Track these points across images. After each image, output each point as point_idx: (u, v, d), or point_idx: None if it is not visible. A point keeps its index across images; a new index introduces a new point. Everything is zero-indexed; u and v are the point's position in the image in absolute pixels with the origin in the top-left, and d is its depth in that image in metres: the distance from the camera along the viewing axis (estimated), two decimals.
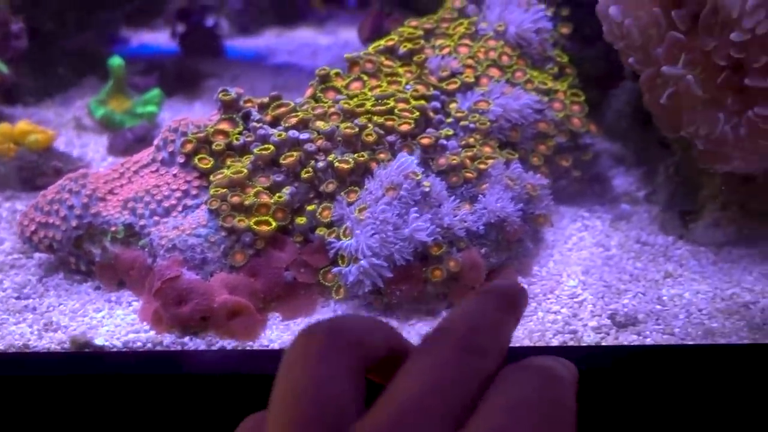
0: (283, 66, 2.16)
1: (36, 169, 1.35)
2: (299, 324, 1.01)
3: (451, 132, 1.12)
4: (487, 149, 1.12)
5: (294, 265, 1.02)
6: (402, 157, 1.00)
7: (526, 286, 1.07)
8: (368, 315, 1.02)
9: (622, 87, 1.36)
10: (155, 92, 1.66)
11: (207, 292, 0.96)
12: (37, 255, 1.17)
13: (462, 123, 1.14)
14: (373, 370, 0.35)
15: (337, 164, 1.01)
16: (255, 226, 0.99)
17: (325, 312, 1.04)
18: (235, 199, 1.00)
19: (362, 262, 0.96)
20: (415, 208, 0.96)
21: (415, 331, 1.00)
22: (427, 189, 0.99)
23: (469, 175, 1.06)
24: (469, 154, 1.09)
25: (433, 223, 0.97)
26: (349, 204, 1.00)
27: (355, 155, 1.02)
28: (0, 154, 1.33)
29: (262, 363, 0.95)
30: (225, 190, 1.01)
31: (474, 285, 1.02)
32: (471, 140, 1.12)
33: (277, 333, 1.00)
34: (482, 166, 1.07)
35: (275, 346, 0.97)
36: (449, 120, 1.15)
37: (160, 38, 2.29)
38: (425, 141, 1.07)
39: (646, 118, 1.18)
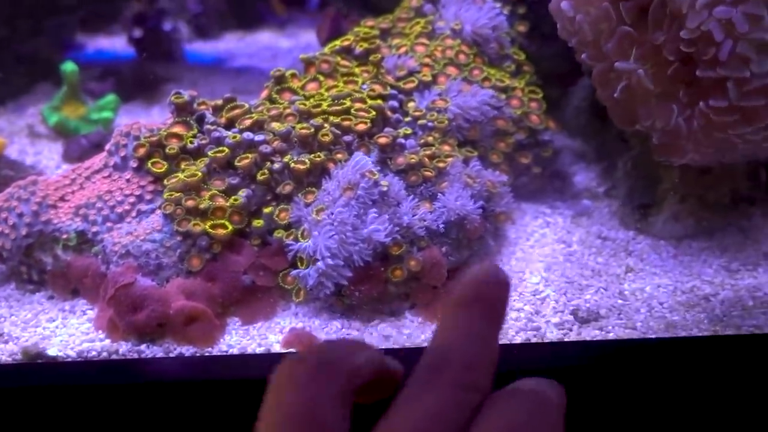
0: (243, 69, 2.13)
1: None
2: (259, 328, 1.00)
3: (409, 131, 1.11)
4: (446, 147, 1.11)
5: (252, 269, 1.00)
6: (357, 156, 0.99)
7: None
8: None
9: (580, 84, 1.37)
10: (110, 98, 1.63)
11: (163, 298, 0.94)
12: None
13: (420, 122, 1.14)
14: (358, 393, 0.35)
15: (293, 165, 0.99)
16: (211, 230, 0.97)
17: (285, 315, 1.02)
18: (190, 203, 0.98)
19: (320, 263, 0.94)
20: (374, 209, 0.95)
21: (377, 332, 0.98)
22: (385, 188, 0.98)
23: (428, 173, 1.05)
24: (428, 152, 1.08)
25: (391, 223, 0.96)
26: (307, 205, 0.99)
27: (312, 156, 1.01)
28: None
29: (222, 369, 0.93)
30: (179, 193, 0.99)
31: (436, 284, 1.01)
32: (430, 139, 1.12)
33: (237, 338, 0.98)
34: (441, 165, 1.07)
35: (235, 351, 0.95)
36: (407, 119, 1.14)
37: (117, 43, 2.25)
38: (382, 140, 1.06)
39: (604, 114, 1.18)
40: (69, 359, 0.94)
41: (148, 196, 1.04)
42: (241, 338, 0.98)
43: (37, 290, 1.08)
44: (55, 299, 1.06)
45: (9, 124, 1.67)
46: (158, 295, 0.94)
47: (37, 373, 0.92)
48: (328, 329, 0.99)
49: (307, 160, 1.00)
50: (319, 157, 1.01)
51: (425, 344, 0.99)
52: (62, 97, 1.61)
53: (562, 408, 0.35)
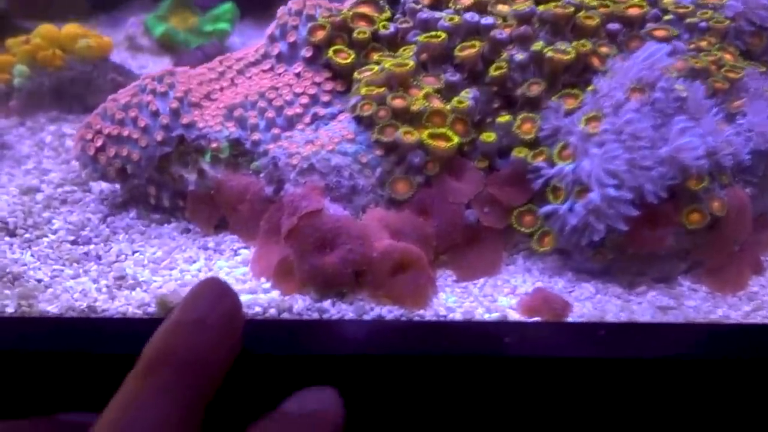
0: None
1: (89, 84, 1.04)
2: (480, 286, 0.71)
3: (675, 32, 0.80)
4: (727, 56, 0.80)
5: (477, 202, 0.71)
6: (651, 46, 0.68)
7: None
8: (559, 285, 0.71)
9: None
10: (227, 6, 1.34)
11: (363, 235, 0.65)
12: (97, 187, 0.86)
13: (688, 20, 0.82)
14: None
15: (551, 54, 0.69)
16: (430, 141, 0.68)
17: (513, 272, 0.73)
18: (398, 103, 0.69)
19: (593, 195, 0.64)
20: (682, 117, 0.65)
21: (647, 302, 0.69)
22: (683, 94, 0.67)
23: (719, 84, 0.74)
24: (711, 58, 0.77)
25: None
26: (568, 113, 0.69)
27: (574, 44, 0.71)
28: (43, 63, 1.02)
29: (445, 341, 0.64)
30: (382, 89, 0.70)
31: (738, 237, 0.71)
32: (703, 44, 0.80)
33: (454, 298, 0.68)
34: (733, 75, 0.76)
35: (455, 316, 0.66)
36: (668, 17, 0.83)
37: None
38: (660, 33, 0.75)
39: None
40: None
41: (325, 97, 0.75)
42: (459, 298, 0.69)
43: (165, 221, 0.80)
44: (192, 233, 0.78)
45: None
46: (357, 230, 0.65)
47: None
48: (577, 294, 0.70)
49: (570, 50, 0.70)
50: (584, 46, 0.70)
51: (720, 320, 0.70)
52: (170, 6, 1.33)
53: (338, 428, 0.33)
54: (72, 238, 0.78)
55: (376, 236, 0.66)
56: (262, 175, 0.72)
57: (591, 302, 0.69)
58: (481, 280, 0.71)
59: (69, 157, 0.95)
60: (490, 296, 0.69)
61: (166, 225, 0.79)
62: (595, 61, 0.71)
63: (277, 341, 0.62)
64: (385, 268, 0.65)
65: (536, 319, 0.66)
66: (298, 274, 0.66)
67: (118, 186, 0.84)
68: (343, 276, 0.65)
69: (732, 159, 0.69)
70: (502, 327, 0.65)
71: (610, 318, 0.66)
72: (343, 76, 0.76)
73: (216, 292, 0.39)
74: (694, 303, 0.69)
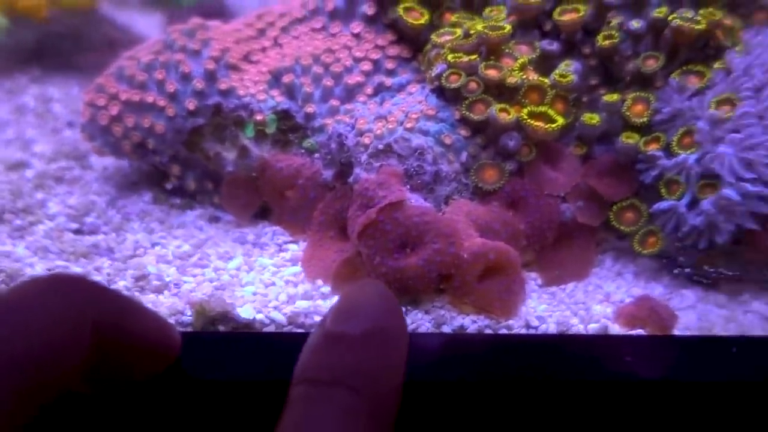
0: None
1: (77, 40, 0.89)
2: (569, 292, 0.60)
3: None
4: None
5: (572, 195, 0.60)
6: None
7: None
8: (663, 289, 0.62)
9: None
10: None
11: (453, 233, 0.53)
12: (99, 163, 0.72)
13: None
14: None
15: (679, 23, 0.58)
16: (530, 121, 0.56)
17: (602, 276, 0.63)
18: (493, 74, 0.57)
19: (728, 191, 0.54)
20: None
21: (755, 312, 0.60)
22: None
23: None
24: None
25: None
26: (696, 94, 0.58)
27: (702, 12, 0.60)
28: (25, 13, 0.86)
29: (537, 356, 0.53)
30: (473, 57, 0.58)
31: None
32: None
33: (544, 306, 0.58)
34: None
35: (549, 327, 0.56)
36: None
37: None
38: None
39: None
40: (280, 329, 0.54)
41: (389, 64, 0.63)
42: (549, 306, 0.58)
43: (188, 206, 0.67)
44: (223, 222, 0.65)
45: None
46: (445, 226, 0.54)
47: (225, 344, 0.51)
48: (677, 303, 0.60)
49: (700, 19, 0.59)
50: (714, 15, 0.59)
51: None
52: None
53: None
54: (75, 225, 0.64)
55: (465, 234, 0.54)
56: (317, 155, 0.60)
57: (694, 312, 0.59)
58: (570, 285, 0.61)
59: (58, 126, 0.81)
60: (582, 304, 0.59)
61: (188, 212, 0.66)
62: (719, 35, 0.60)
63: None
64: (476, 272, 0.54)
65: (638, 331, 0.56)
66: (375, 277, 0.54)
67: (126, 162, 0.71)
68: (427, 280, 0.53)
69: None
70: (616, 342, 0.54)
71: (718, 331, 0.57)
72: (410, 40, 0.64)
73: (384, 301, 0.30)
74: None
